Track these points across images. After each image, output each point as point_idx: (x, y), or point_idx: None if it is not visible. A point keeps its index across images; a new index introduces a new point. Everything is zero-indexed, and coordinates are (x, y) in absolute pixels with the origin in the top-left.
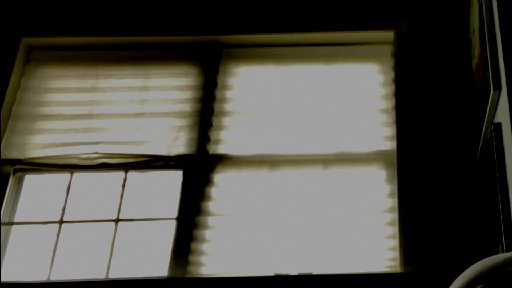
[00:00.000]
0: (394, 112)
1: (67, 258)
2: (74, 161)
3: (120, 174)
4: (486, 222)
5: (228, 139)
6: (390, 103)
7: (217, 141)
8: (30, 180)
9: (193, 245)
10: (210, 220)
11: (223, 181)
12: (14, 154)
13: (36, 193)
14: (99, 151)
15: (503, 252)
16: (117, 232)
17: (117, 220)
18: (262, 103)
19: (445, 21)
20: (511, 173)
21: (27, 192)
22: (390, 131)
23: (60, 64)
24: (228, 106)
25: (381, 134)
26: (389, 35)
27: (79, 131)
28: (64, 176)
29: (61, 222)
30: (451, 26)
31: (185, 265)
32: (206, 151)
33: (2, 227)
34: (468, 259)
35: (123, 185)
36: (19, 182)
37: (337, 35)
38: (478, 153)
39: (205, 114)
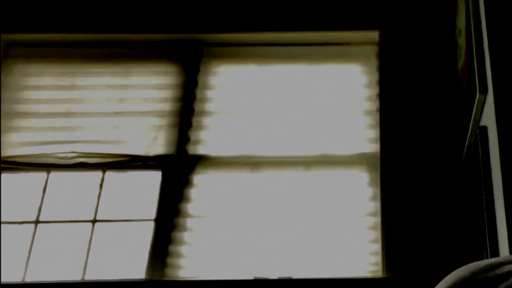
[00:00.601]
0: (378, 114)
1: (43, 259)
2: (51, 160)
3: (98, 174)
4: (471, 226)
5: (208, 140)
6: (374, 105)
7: (197, 142)
8: (6, 179)
9: (171, 247)
10: (189, 222)
11: (202, 182)
12: None
13: (12, 192)
14: (77, 150)
15: (487, 258)
16: (94, 233)
17: (94, 221)
18: (243, 103)
19: (431, 21)
20: (496, 177)
21: (2, 191)
22: (373, 133)
23: (38, 61)
24: (208, 106)
25: (364, 136)
26: (374, 35)
27: (56, 129)
28: (40, 175)
29: (37, 222)
30: (436, 26)
31: (163, 267)
32: (186, 152)
33: None
34: (451, 264)
35: (101, 185)
36: None
37: (321, 35)
38: (463, 156)
39: (185, 113)
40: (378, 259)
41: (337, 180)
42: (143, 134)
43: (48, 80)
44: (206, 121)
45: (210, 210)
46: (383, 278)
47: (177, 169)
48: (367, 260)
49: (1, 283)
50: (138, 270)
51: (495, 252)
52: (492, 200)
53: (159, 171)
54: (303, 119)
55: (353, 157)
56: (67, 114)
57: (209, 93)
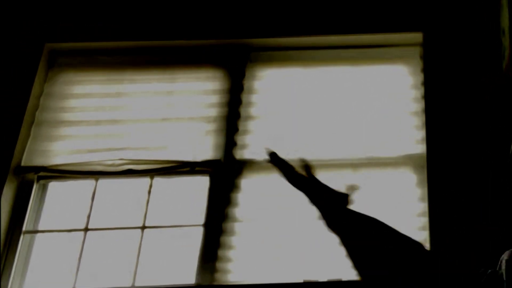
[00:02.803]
0: (423, 115)
1: (93, 266)
2: (99, 168)
3: (146, 180)
4: None
5: (255, 144)
6: (419, 106)
7: (244, 146)
8: (54, 187)
9: (220, 252)
10: (237, 226)
11: (250, 187)
12: (37, 161)
13: (61, 200)
14: (124, 157)
15: None
16: (143, 239)
17: (143, 227)
18: (289, 107)
19: (474, 22)
20: None
21: (51, 200)
22: (420, 134)
23: (84, 69)
24: (254, 110)
25: (411, 137)
26: (418, 36)
27: (103, 137)
28: (88, 183)
29: (86, 229)
30: (480, 27)
31: (213, 272)
32: (233, 156)
33: (26, 235)
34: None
35: (149, 192)
36: (43, 189)
37: (365, 37)
38: (509, 155)
39: (232, 118)
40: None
41: (384, 181)
42: (190, 140)
43: (94, 88)
44: (252, 125)
45: (258, 214)
46: None
47: (225, 174)
48: None
49: None
50: (187, 276)
51: None
52: None
53: (206, 176)
54: (350, 121)
55: (400, 158)
56: (114, 122)
57: (255, 98)
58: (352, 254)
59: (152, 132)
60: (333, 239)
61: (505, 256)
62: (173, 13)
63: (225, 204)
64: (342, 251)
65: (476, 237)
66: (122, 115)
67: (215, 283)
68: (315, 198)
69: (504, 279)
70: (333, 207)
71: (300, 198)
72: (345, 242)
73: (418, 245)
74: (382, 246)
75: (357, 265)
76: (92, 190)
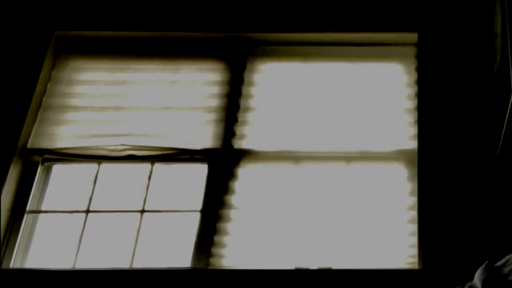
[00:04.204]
0: (416, 112)
1: (93, 247)
2: (102, 152)
3: (147, 166)
4: (505, 221)
5: (253, 135)
6: (412, 103)
7: (242, 136)
8: (58, 169)
9: (216, 238)
10: (233, 214)
11: (247, 176)
12: (43, 144)
13: (64, 182)
14: (127, 143)
15: None
16: (142, 222)
17: (142, 211)
18: (287, 100)
19: (468, 24)
20: None
21: (55, 182)
22: (412, 130)
23: (91, 57)
24: (253, 102)
25: (403, 133)
26: (413, 36)
27: (107, 123)
28: (91, 167)
29: (87, 211)
30: (474, 29)
31: (208, 256)
32: (231, 146)
33: (29, 215)
34: (485, 258)
35: (149, 177)
36: (48, 171)
37: (362, 36)
38: (498, 154)
39: (231, 109)
40: (415, 251)
41: (377, 174)
42: (190, 129)
43: (100, 75)
44: (251, 116)
45: (253, 202)
46: (418, 270)
47: (223, 162)
48: (405, 253)
49: (53, 269)
50: (184, 259)
51: None
52: None
53: (205, 164)
54: (345, 116)
55: (392, 153)
56: (118, 108)
57: (255, 90)
58: None
59: (154, 120)
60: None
61: (477, 276)
62: (179, 6)
63: (222, 191)
64: (333, 240)
65: (464, 232)
66: (126, 103)
67: (210, 267)
68: None
69: None
70: None
71: (294, 188)
72: None
73: None
74: None
75: None
76: (95, 174)
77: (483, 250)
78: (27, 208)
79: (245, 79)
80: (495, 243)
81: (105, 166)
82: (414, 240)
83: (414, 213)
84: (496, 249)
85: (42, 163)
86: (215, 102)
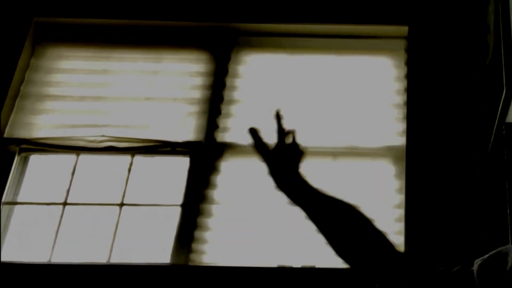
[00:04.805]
0: (405, 108)
1: (70, 240)
2: (81, 143)
3: (127, 158)
4: (494, 220)
5: (236, 128)
6: (401, 98)
7: (226, 129)
8: (36, 160)
9: (197, 233)
10: (215, 208)
11: (229, 170)
12: (20, 134)
13: (41, 173)
14: (106, 134)
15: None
16: (121, 216)
17: (121, 205)
18: (272, 93)
19: (460, 18)
20: None
21: (32, 173)
22: (400, 126)
23: (70, 45)
24: (238, 94)
25: (391, 129)
26: (403, 29)
27: (86, 113)
28: (70, 158)
29: (65, 204)
30: (465, 23)
31: (188, 252)
32: (214, 139)
33: (5, 206)
34: (473, 257)
35: (129, 169)
36: (24, 162)
37: (351, 28)
38: (488, 151)
39: (215, 101)
40: (401, 250)
41: (363, 171)
42: (172, 120)
43: (80, 64)
44: (235, 109)
45: (236, 197)
46: None
47: (205, 155)
48: None
49: (28, 263)
50: (163, 255)
51: None
52: None
53: (187, 157)
54: (331, 110)
55: (380, 150)
56: (98, 98)
57: (239, 82)
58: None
59: (135, 111)
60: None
61: (476, 266)
62: None
63: (204, 185)
64: (317, 238)
65: (451, 230)
66: (106, 92)
67: (190, 264)
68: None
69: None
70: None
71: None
72: (312, 216)
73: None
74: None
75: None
76: (73, 165)
77: (471, 248)
78: (3, 199)
79: (230, 71)
80: (484, 241)
81: (84, 158)
82: (401, 239)
83: (401, 212)
84: (485, 247)
85: (19, 153)
86: (198, 94)
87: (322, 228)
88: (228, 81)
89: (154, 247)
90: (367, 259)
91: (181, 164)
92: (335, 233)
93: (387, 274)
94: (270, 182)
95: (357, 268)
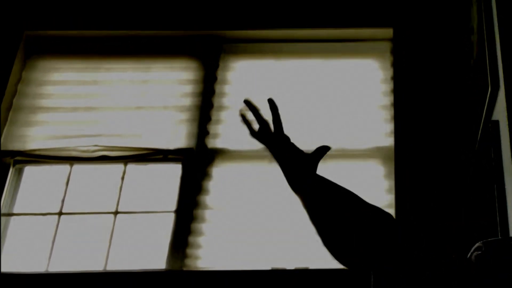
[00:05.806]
0: (392, 109)
1: (66, 249)
2: (74, 154)
3: (120, 166)
4: (482, 217)
5: (227, 134)
6: (388, 100)
7: (216, 135)
8: (30, 171)
9: (191, 238)
10: (208, 214)
11: (221, 175)
12: (14, 146)
13: (36, 184)
14: (99, 144)
15: None
16: (115, 224)
17: (116, 213)
18: (261, 98)
19: (444, 19)
20: (508, 170)
21: (26, 184)
22: (388, 127)
23: (61, 57)
24: (227, 101)
25: (379, 130)
26: (388, 32)
27: (79, 123)
28: (63, 168)
29: (60, 213)
30: (450, 24)
31: (183, 258)
32: (205, 145)
33: (1, 218)
34: (463, 255)
35: (122, 178)
36: (19, 173)
37: (337, 31)
38: (475, 149)
39: (205, 108)
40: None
41: (353, 172)
42: (164, 128)
43: (71, 76)
44: (225, 115)
45: (228, 202)
46: None
47: (197, 162)
48: None
49: (25, 273)
50: (158, 261)
51: None
52: (504, 192)
53: (179, 164)
54: (320, 113)
55: (368, 151)
56: (90, 109)
57: (228, 88)
58: (317, 220)
59: (127, 120)
60: (302, 228)
61: (475, 249)
62: (150, 4)
63: (197, 191)
64: (309, 240)
65: (441, 230)
66: (98, 103)
67: (185, 269)
68: (281, 155)
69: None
70: (301, 166)
71: (269, 187)
72: (309, 205)
73: (386, 215)
74: (350, 213)
75: (321, 232)
76: (67, 175)
77: (462, 249)
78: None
79: (218, 77)
80: (474, 242)
81: (78, 168)
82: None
83: (392, 211)
84: (474, 244)
85: (14, 165)
86: (188, 101)
87: (330, 222)
88: (217, 87)
89: (149, 253)
90: (367, 259)
91: (174, 171)
92: (340, 228)
93: (386, 272)
94: (261, 186)
95: (357, 268)
